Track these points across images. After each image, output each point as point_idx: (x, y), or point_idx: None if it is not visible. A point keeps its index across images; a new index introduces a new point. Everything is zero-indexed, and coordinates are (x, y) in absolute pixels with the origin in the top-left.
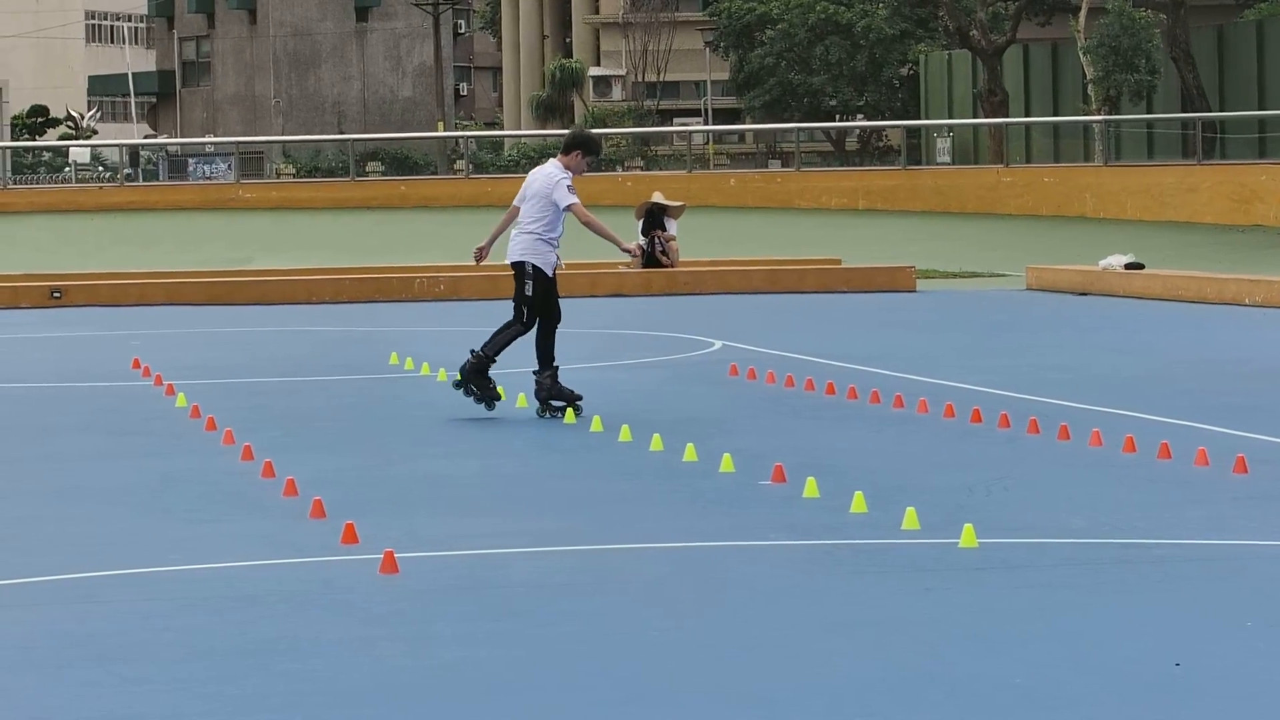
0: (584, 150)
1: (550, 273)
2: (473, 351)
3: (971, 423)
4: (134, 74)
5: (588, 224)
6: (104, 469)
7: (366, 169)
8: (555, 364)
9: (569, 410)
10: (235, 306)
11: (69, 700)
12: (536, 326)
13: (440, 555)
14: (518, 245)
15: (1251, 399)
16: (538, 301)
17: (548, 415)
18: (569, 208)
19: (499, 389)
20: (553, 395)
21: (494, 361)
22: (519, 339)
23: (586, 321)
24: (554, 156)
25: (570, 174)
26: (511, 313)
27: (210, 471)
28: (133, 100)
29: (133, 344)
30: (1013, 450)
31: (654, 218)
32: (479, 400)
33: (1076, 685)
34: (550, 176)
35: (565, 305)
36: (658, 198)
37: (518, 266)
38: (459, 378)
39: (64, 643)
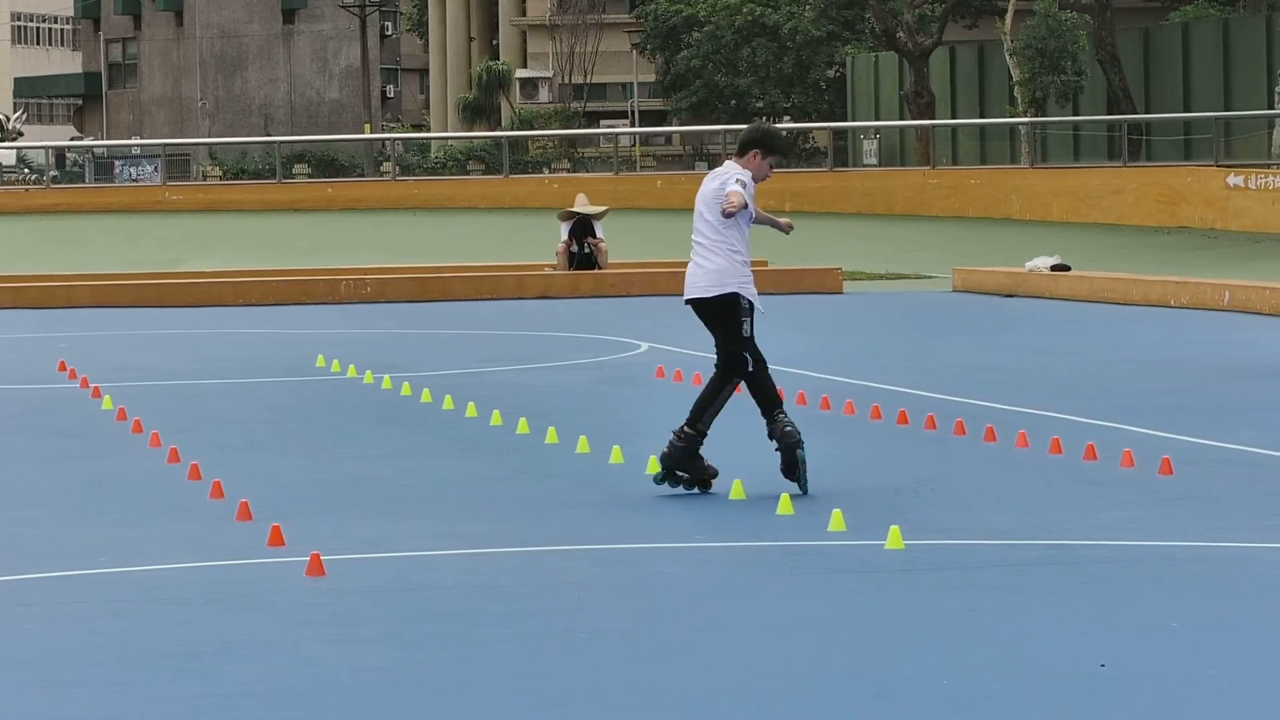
0: (764, 149)
1: (756, 300)
2: (676, 434)
3: (898, 424)
4: (60, 76)
5: (759, 218)
6: (31, 472)
7: (293, 171)
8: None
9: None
10: (163, 309)
11: None
12: (716, 377)
13: (368, 558)
14: (713, 273)
15: (1178, 400)
16: (754, 343)
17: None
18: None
19: (707, 465)
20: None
21: (703, 436)
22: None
23: (514, 324)
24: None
25: (746, 176)
26: (719, 368)
27: (137, 474)
28: (59, 102)
29: (59, 347)
30: (939, 452)
31: (584, 223)
32: (691, 485)
33: (1003, 686)
34: (721, 175)
35: (494, 307)
36: (581, 200)
37: (723, 304)
38: (660, 473)
39: None
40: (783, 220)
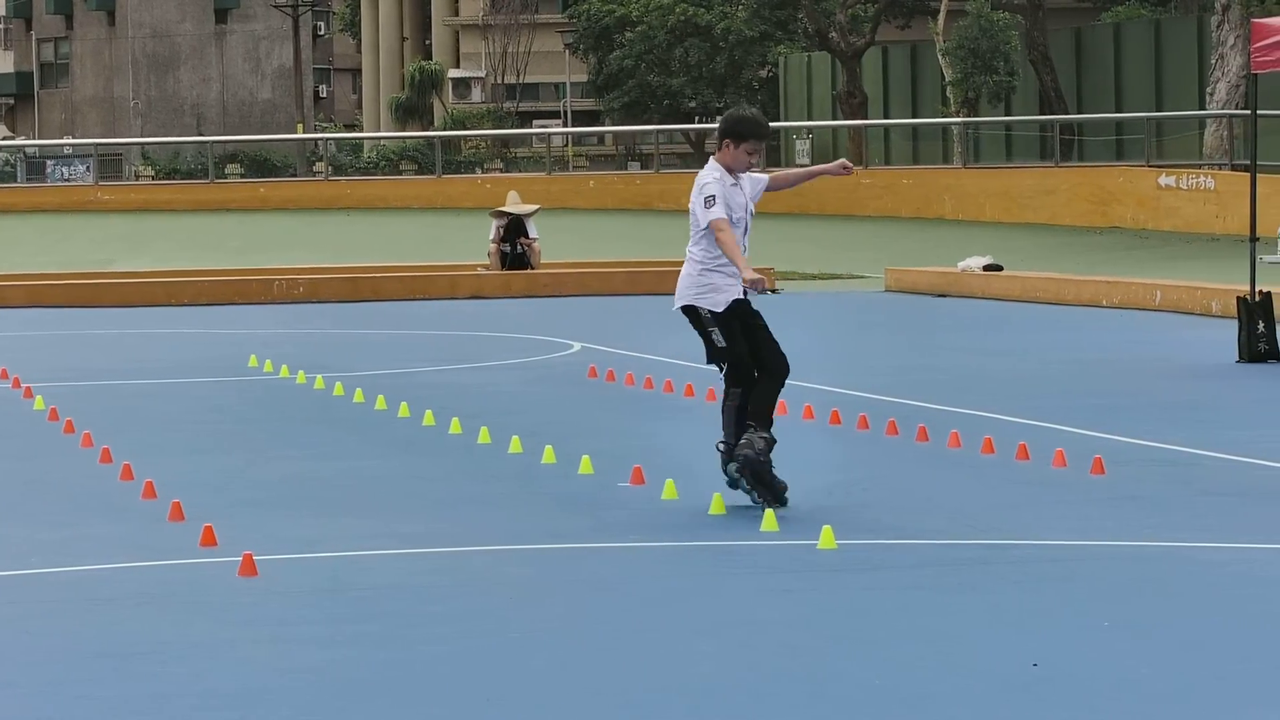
0: (735, 137)
1: (724, 308)
2: (721, 447)
3: (830, 424)
4: None
5: (720, 245)
6: None
7: (226, 171)
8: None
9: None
10: (95, 309)
11: None
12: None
13: (301, 558)
14: (680, 283)
15: (1110, 400)
16: (740, 350)
17: (758, 501)
18: (712, 222)
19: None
20: (758, 476)
21: (773, 440)
22: (777, 393)
23: (447, 324)
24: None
25: (723, 176)
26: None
27: (69, 475)
28: None
29: None
30: (872, 452)
31: (516, 223)
32: (764, 500)
33: (936, 685)
34: (699, 184)
35: (426, 307)
36: (513, 198)
37: (689, 315)
38: (743, 482)
39: None
40: (832, 165)
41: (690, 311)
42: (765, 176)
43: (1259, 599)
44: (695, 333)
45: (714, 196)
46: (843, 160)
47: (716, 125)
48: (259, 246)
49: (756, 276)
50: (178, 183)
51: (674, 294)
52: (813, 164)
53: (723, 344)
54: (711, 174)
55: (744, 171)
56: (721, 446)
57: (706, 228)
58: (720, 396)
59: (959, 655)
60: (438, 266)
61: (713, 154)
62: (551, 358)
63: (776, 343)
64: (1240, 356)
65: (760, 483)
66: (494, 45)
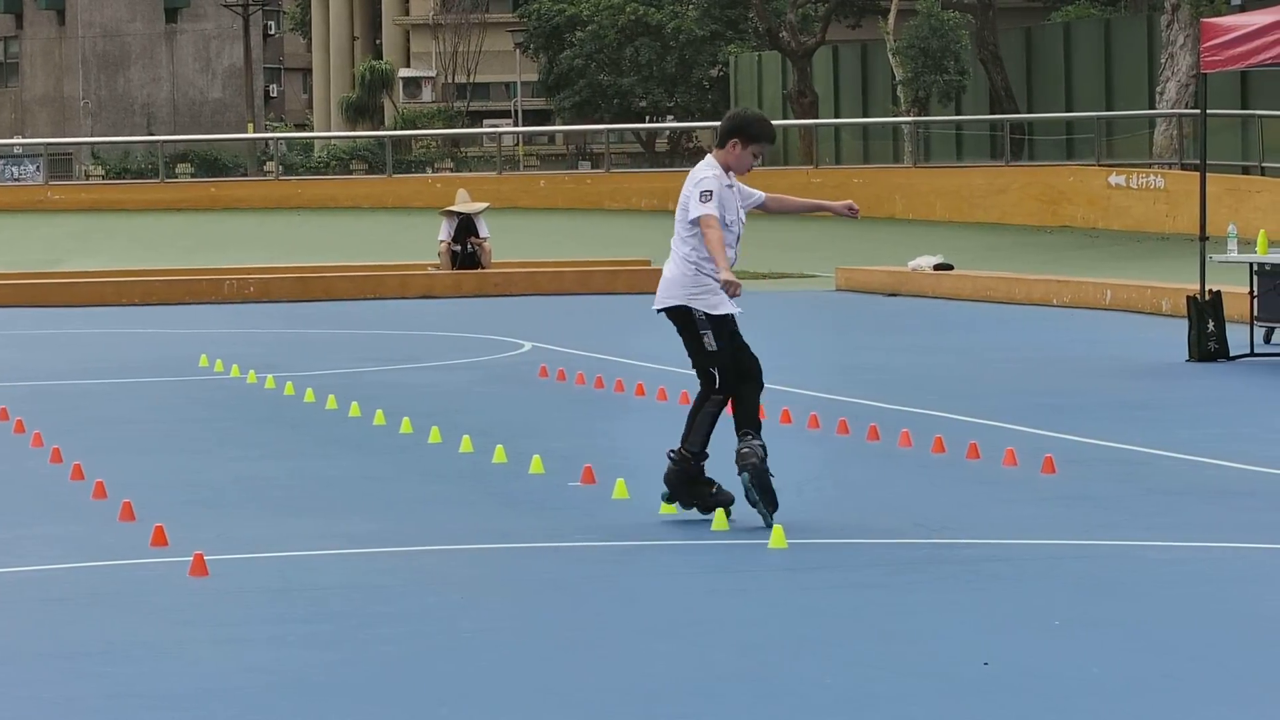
0: (744, 138)
1: (720, 311)
2: (670, 454)
3: (781, 423)
4: None
5: (705, 241)
6: None
7: (176, 171)
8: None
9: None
10: (45, 308)
11: None
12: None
13: (251, 558)
14: (670, 282)
15: (1060, 399)
16: (728, 356)
17: (766, 517)
18: (701, 217)
19: (719, 491)
20: (762, 484)
21: (703, 456)
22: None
23: (398, 323)
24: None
25: (722, 174)
26: (700, 383)
27: (20, 475)
28: None
29: None
30: (822, 451)
31: (467, 222)
32: (706, 510)
33: (888, 685)
34: (695, 177)
35: (377, 307)
36: (462, 196)
37: (674, 317)
38: (664, 494)
39: None
40: (839, 204)
41: (679, 312)
42: (760, 193)
43: (1209, 597)
44: (676, 335)
45: (710, 192)
46: (850, 202)
47: (667, 124)
48: (209, 246)
49: (733, 280)
50: (128, 182)
51: (632, 292)
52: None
53: (714, 347)
54: (710, 170)
55: (745, 173)
56: (673, 455)
57: (694, 221)
58: (694, 400)
59: (910, 655)
60: (388, 266)
61: (709, 151)
62: (502, 357)
63: (748, 345)
64: (1190, 355)
65: (765, 490)
66: (444, 45)
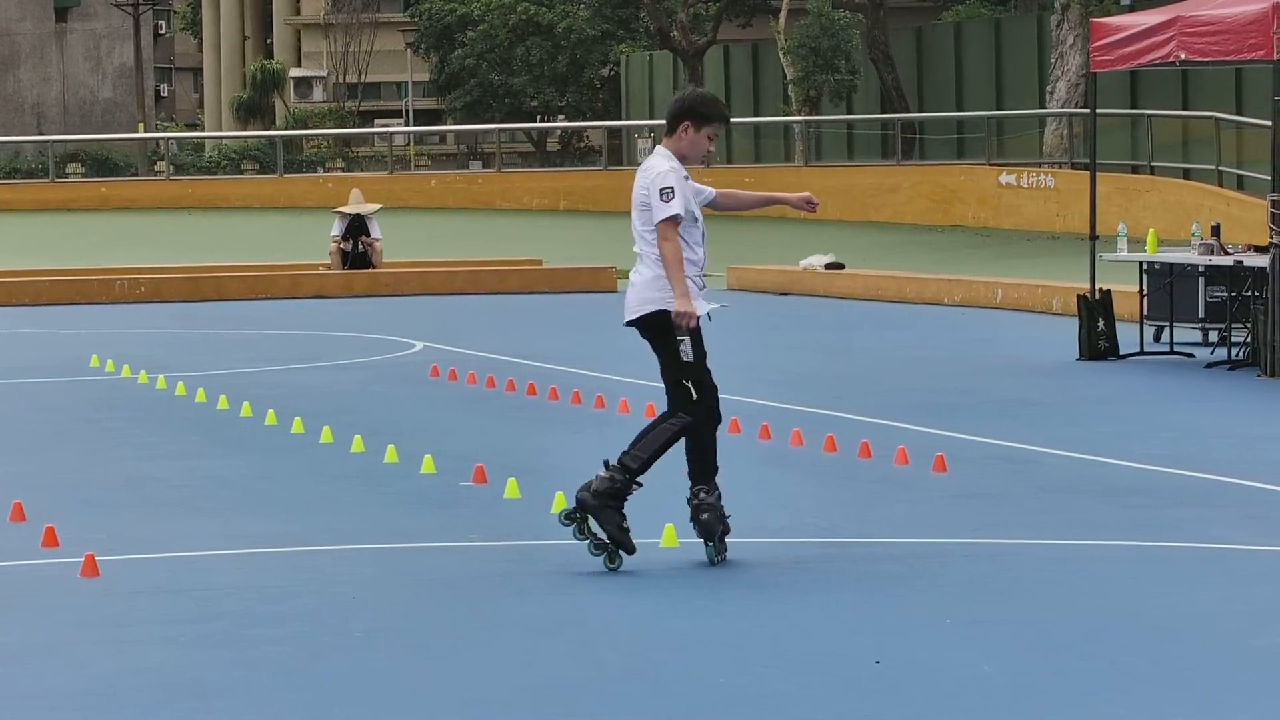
0: (695, 120)
1: (702, 312)
2: (606, 464)
3: None
4: None
5: (661, 255)
6: None
7: (67, 170)
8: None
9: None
10: None
11: None
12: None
13: (143, 558)
14: (643, 287)
15: (951, 398)
16: (702, 368)
17: (720, 559)
18: (665, 221)
19: (627, 531)
20: (714, 526)
21: (636, 484)
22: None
23: (289, 323)
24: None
25: (677, 165)
26: (666, 401)
27: None
28: None
29: None
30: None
31: (359, 222)
32: (597, 549)
33: (779, 683)
34: (650, 173)
35: (269, 307)
36: (355, 196)
37: (649, 324)
38: (566, 510)
39: None
40: (795, 196)
41: (656, 318)
42: (710, 189)
43: (1097, 595)
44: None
45: (671, 189)
46: (808, 194)
47: (558, 124)
48: (100, 246)
49: (688, 310)
50: (18, 182)
51: (523, 292)
52: None
53: (689, 358)
54: (666, 163)
55: (700, 160)
56: (611, 466)
57: (662, 221)
58: (657, 417)
59: (801, 653)
60: (280, 266)
61: (661, 141)
62: (394, 357)
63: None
64: (1081, 354)
65: (719, 538)
66: (335, 44)
